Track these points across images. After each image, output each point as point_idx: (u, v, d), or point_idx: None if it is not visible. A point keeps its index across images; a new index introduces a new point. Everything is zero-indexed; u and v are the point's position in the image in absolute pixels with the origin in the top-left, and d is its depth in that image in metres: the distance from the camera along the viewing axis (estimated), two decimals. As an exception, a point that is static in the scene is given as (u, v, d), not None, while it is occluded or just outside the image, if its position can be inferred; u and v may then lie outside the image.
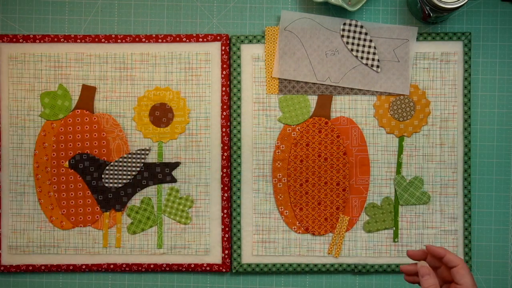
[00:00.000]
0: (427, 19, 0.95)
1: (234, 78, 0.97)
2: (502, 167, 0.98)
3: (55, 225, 0.98)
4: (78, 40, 0.97)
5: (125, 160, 0.98)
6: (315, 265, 0.97)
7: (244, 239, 0.97)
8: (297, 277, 0.99)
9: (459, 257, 0.72)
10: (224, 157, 0.97)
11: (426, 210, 0.97)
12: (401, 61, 0.96)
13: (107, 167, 0.97)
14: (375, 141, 0.97)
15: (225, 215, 0.97)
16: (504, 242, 0.98)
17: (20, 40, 0.97)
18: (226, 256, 0.97)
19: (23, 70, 0.98)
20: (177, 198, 0.98)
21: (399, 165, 0.97)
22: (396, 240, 0.97)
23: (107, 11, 0.99)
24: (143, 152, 0.98)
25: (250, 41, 0.97)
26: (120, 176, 0.98)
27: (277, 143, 0.98)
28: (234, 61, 0.97)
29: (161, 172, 0.98)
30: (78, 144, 0.98)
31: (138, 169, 0.98)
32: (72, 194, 0.98)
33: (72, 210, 0.98)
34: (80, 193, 0.98)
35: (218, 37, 0.97)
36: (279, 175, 0.97)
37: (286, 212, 0.98)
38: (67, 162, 0.98)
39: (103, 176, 0.98)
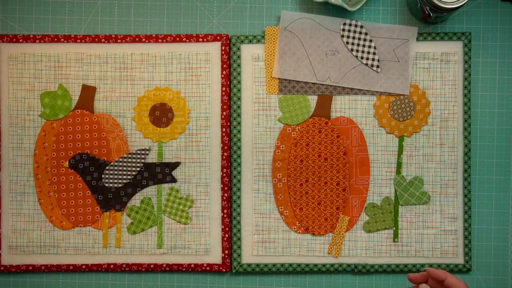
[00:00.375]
0: (427, 19, 0.95)
1: (234, 78, 0.97)
2: (502, 167, 0.98)
3: (55, 225, 0.98)
4: (78, 40, 0.97)
5: (125, 160, 0.98)
6: (315, 265, 0.97)
7: (244, 239, 0.97)
8: (297, 277, 0.99)
9: (461, 281, 0.71)
10: (224, 157, 0.97)
11: (426, 210, 0.97)
12: (401, 61, 0.96)
13: (107, 167, 0.97)
14: (375, 141, 0.97)
15: (225, 215, 0.97)
16: (504, 242, 0.98)
17: (20, 40, 0.97)
18: (226, 256, 0.97)
19: (23, 70, 0.98)
20: (177, 198, 0.98)
21: (399, 165, 0.97)
22: (396, 240, 0.97)
23: (107, 11, 0.99)
24: (143, 152, 0.98)
25: (250, 41, 0.97)
26: (120, 176, 0.98)
27: (277, 143, 0.98)
28: (234, 61, 0.97)
29: (161, 172, 0.98)
30: (78, 144, 0.98)
31: (138, 169, 0.98)
32: (72, 194, 0.98)
33: (72, 210, 0.98)
34: (80, 193, 0.98)
35: (218, 37, 0.97)
36: (279, 175, 0.97)
37: (286, 212, 0.98)
38: (67, 162, 0.98)
39: (103, 176, 0.98)
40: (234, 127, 0.97)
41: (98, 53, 0.98)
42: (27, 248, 0.98)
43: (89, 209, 0.98)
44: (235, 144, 0.97)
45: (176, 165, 0.98)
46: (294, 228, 0.98)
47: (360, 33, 0.96)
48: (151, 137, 0.98)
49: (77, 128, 0.98)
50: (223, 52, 0.97)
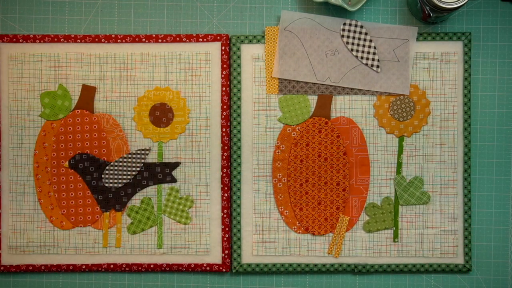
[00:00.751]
0: (427, 19, 0.95)
1: (234, 78, 0.97)
2: (502, 167, 0.98)
3: (55, 225, 0.98)
4: (78, 40, 0.97)
5: (125, 160, 0.98)
6: (315, 265, 0.97)
7: (244, 239, 0.97)
8: (297, 277, 0.99)
9: None
10: (224, 157, 0.97)
11: (426, 210, 0.97)
12: (401, 61, 0.96)
13: (107, 167, 0.98)
14: (375, 141, 0.97)
15: (225, 215, 0.97)
16: (504, 242, 0.98)
17: (20, 40, 0.97)
18: (226, 256, 0.97)
19: (23, 70, 0.98)
20: (177, 198, 0.98)
21: (399, 165, 0.97)
22: (396, 240, 0.97)
23: (107, 11, 0.99)
24: (143, 152, 0.98)
25: (250, 41, 0.97)
26: (120, 176, 0.98)
27: (277, 143, 0.98)
28: (234, 61, 0.97)
29: (161, 172, 0.98)
30: (78, 144, 0.98)
31: (138, 169, 0.98)
32: (72, 194, 0.98)
33: (72, 210, 0.98)
34: (80, 193, 0.98)
35: (218, 37, 0.97)
36: (279, 175, 0.97)
37: (286, 212, 0.98)
38: (67, 162, 0.98)
39: (103, 176, 0.98)
40: (234, 127, 0.97)
41: (98, 53, 0.98)
42: (27, 248, 0.98)
43: (89, 209, 0.98)
44: (235, 144, 0.97)
45: (176, 165, 0.98)
46: (294, 228, 0.98)
47: (360, 33, 0.96)
48: (151, 137, 0.98)
49: (77, 128, 0.98)
50: (223, 52, 0.97)
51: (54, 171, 0.98)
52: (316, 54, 0.96)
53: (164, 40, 0.97)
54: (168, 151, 0.98)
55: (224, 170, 0.97)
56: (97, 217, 0.98)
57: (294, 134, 0.97)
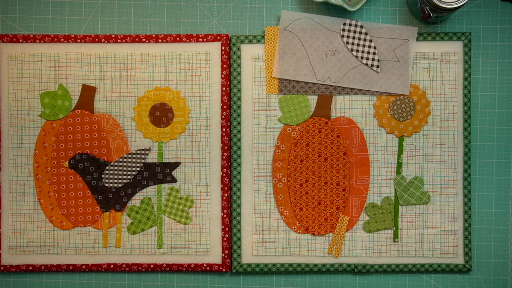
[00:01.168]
0: (427, 19, 0.95)
1: (234, 78, 0.97)
2: (502, 167, 0.98)
3: (55, 225, 0.98)
4: (78, 40, 0.98)
5: (125, 160, 0.98)
6: (315, 265, 0.97)
7: (244, 239, 0.97)
8: (297, 277, 0.99)
9: None
10: (224, 157, 0.97)
11: (426, 210, 0.97)
12: (401, 61, 0.96)
13: (107, 167, 0.98)
14: (375, 141, 0.97)
15: (225, 215, 0.97)
16: (504, 242, 0.98)
17: (20, 40, 0.97)
18: (226, 256, 0.97)
19: (23, 70, 0.98)
20: (177, 198, 0.98)
21: (399, 165, 0.97)
22: (396, 240, 0.97)
23: (107, 11, 0.99)
24: (143, 152, 0.98)
25: (250, 41, 0.97)
26: (120, 176, 0.98)
27: (277, 143, 0.98)
28: (234, 61, 0.97)
29: (161, 172, 0.98)
30: (78, 144, 0.98)
31: (138, 169, 0.98)
32: (72, 194, 0.98)
33: (72, 210, 0.98)
34: (80, 193, 0.98)
35: (218, 37, 0.97)
36: (279, 175, 0.97)
37: (286, 212, 0.98)
38: (67, 162, 0.98)
39: (103, 176, 0.98)
40: (234, 127, 0.97)
41: (98, 53, 0.98)
42: (27, 248, 0.98)
43: (89, 209, 0.98)
44: (235, 144, 0.97)
45: (176, 165, 0.98)
46: (294, 228, 0.98)
47: (360, 33, 0.96)
48: (151, 137, 0.98)
49: (77, 128, 0.98)
50: (223, 52, 0.97)
51: (54, 171, 0.98)
52: (316, 54, 0.96)
53: (164, 40, 0.97)
54: (168, 151, 0.98)
55: (224, 170, 0.97)
56: (97, 217, 0.98)
57: (294, 134, 0.97)
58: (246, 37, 0.97)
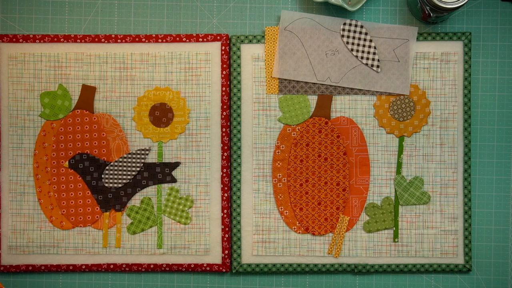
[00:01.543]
0: (427, 19, 0.95)
1: (234, 78, 0.97)
2: (502, 167, 0.98)
3: (55, 225, 0.98)
4: (78, 40, 0.97)
5: (125, 160, 0.98)
6: (315, 265, 0.97)
7: (244, 239, 0.97)
8: (297, 277, 0.99)
9: None
10: (224, 157, 0.97)
11: (426, 210, 0.97)
12: (401, 61, 0.96)
13: (107, 167, 0.97)
14: (375, 141, 0.97)
15: (225, 215, 0.97)
16: (504, 242, 0.98)
17: (20, 40, 0.97)
18: (226, 256, 0.97)
19: (23, 70, 0.98)
20: (177, 198, 0.98)
21: (399, 165, 0.97)
22: (396, 240, 0.97)
23: (107, 11, 0.99)
24: (143, 152, 0.98)
25: (250, 41, 0.97)
26: (120, 176, 0.98)
27: (277, 143, 0.98)
28: (234, 61, 0.97)
29: (161, 172, 0.98)
30: (78, 144, 0.98)
31: (138, 169, 0.98)
32: (72, 194, 0.98)
33: (72, 210, 0.98)
34: (80, 193, 0.98)
35: (218, 37, 0.97)
36: (279, 175, 0.97)
37: (286, 212, 0.98)
38: (67, 162, 0.98)
39: (103, 176, 0.98)
40: (234, 127, 0.97)
41: (98, 53, 0.98)
42: (27, 248, 0.98)
43: (89, 209, 0.98)
44: (235, 144, 0.97)
45: (176, 165, 0.98)
46: (294, 228, 0.98)
47: (360, 33, 0.96)
48: (151, 137, 0.98)
49: (77, 128, 0.98)
50: (223, 52, 0.97)
51: (54, 171, 0.98)
52: (316, 54, 0.96)
53: (164, 40, 0.97)
54: (168, 151, 0.98)
55: (224, 170, 0.97)
56: (97, 217, 0.98)
57: (294, 134, 0.97)
58: (246, 37, 0.97)
